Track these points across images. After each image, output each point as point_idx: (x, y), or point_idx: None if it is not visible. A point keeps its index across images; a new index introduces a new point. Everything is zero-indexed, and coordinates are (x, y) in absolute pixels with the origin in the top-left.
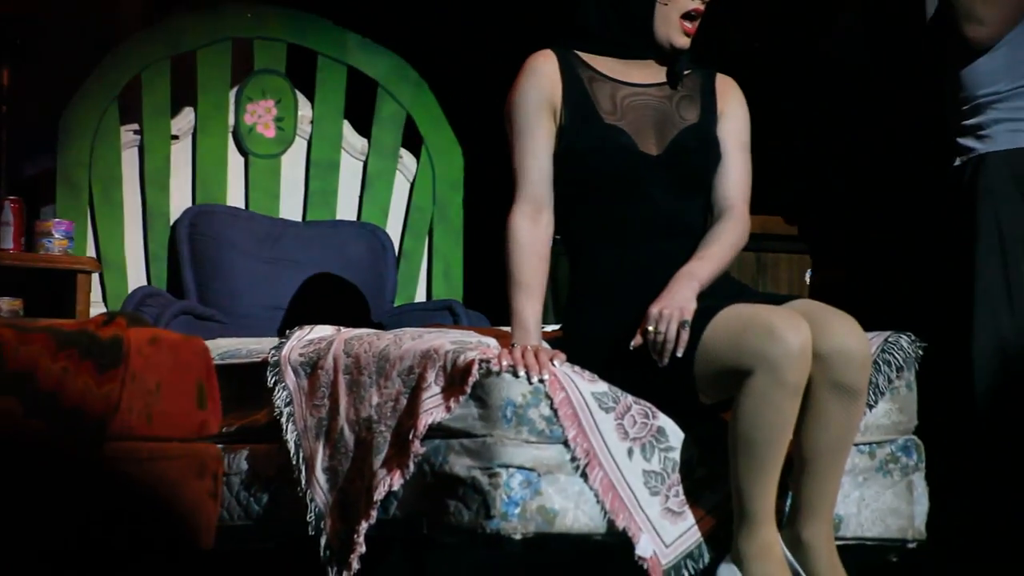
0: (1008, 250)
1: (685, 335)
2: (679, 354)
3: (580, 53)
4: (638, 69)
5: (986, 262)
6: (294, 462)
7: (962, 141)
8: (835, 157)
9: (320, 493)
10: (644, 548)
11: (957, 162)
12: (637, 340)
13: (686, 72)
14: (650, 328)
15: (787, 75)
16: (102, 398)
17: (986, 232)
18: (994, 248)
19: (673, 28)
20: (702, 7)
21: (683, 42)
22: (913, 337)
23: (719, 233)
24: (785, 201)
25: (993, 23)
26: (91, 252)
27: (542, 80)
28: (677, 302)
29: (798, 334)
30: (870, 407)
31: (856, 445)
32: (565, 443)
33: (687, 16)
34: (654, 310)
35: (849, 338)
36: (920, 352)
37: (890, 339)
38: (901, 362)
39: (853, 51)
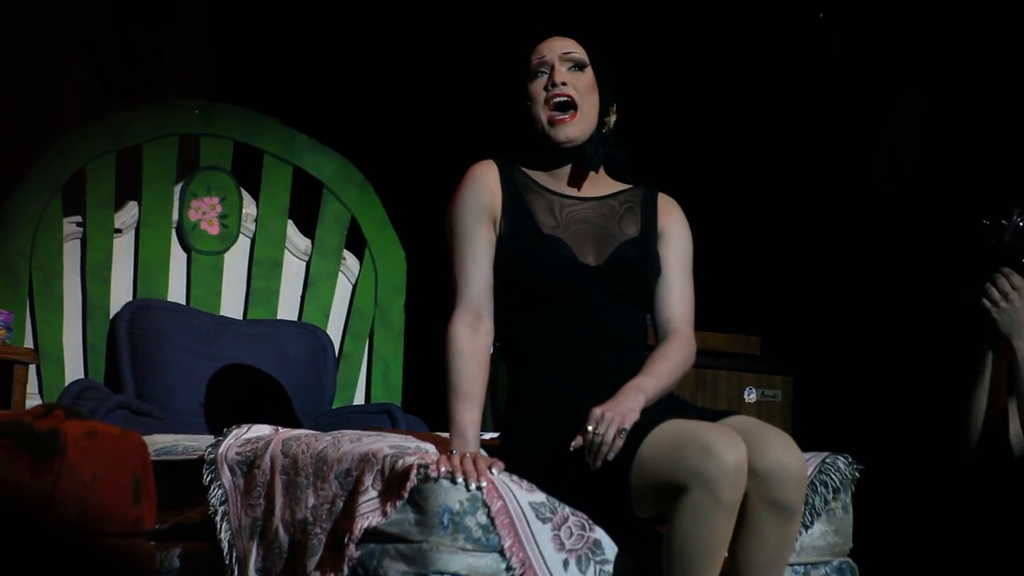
0: None
1: (620, 442)
2: (609, 458)
3: (521, 165)
4: (577, 182)
5: None
6: (227, 561)
7: None
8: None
9: None
10: None
11: None
12: (578, 441)
13: (628, 186)
14: (590, 428)
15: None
16: (36, 490)
17: None
18: None
19: (546, 124)
20: (561, 89)
21: (555, 133)
22: (850, 459)
23: (667, 352)
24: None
25: None
26: (29, 343)
27: (483, 190)
28: (621, 409)
29: (734, 451)
30: (806, 527)
31: (791, 565)
32: (501, 552)
33: (550, 106)
34: (597, 412)
35: (785, 456)
36: (857, 474)
37: (827, 460)
38: (838, 483)
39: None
